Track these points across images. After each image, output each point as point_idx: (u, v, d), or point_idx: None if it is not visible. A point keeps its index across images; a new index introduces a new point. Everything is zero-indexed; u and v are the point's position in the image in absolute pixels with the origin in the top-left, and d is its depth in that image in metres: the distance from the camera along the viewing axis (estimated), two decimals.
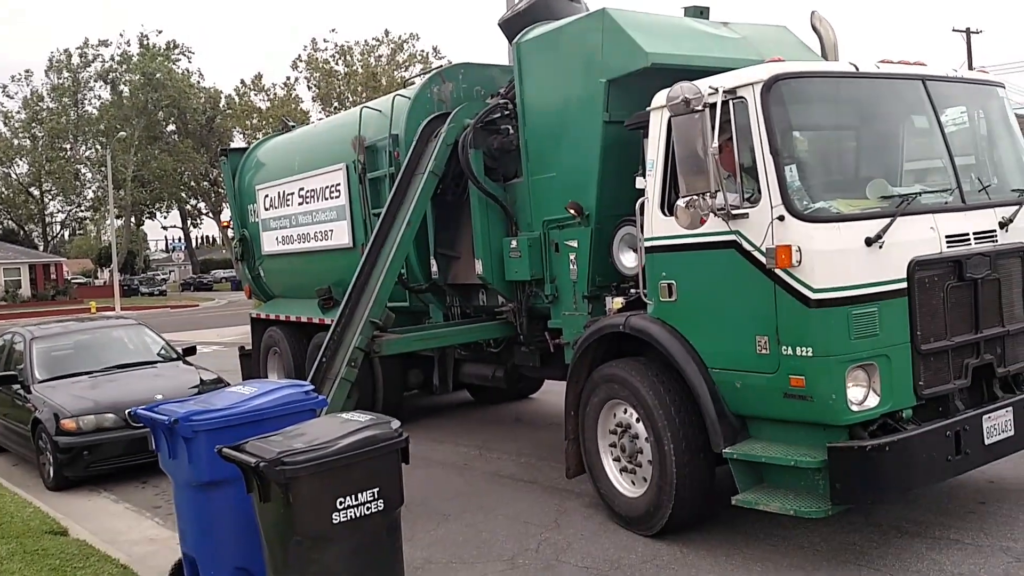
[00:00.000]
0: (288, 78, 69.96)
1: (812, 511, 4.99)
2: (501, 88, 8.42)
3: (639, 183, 6.08)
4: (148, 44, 60.82)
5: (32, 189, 65.62)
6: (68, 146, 63.04)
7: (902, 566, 5.22)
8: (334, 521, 4.30)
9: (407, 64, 58.54)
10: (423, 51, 59.60)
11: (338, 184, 9.99)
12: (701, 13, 7.42)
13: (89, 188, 64.79)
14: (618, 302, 6.48)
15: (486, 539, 6.27)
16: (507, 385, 9.33)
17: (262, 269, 12.29)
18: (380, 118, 9.38)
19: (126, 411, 7.92)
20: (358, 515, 4.36)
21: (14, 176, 64.78)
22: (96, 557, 6.13)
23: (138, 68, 59.22)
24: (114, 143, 56.63)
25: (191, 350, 10.81)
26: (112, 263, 49.09)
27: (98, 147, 60.69)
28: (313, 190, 10.52)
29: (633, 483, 6.12)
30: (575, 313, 7.10)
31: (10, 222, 68.93)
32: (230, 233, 13.10)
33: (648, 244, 5.91)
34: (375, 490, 4.42)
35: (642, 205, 5.97)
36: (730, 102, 5.22)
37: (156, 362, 10.15)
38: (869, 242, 4.98)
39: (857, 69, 5.52)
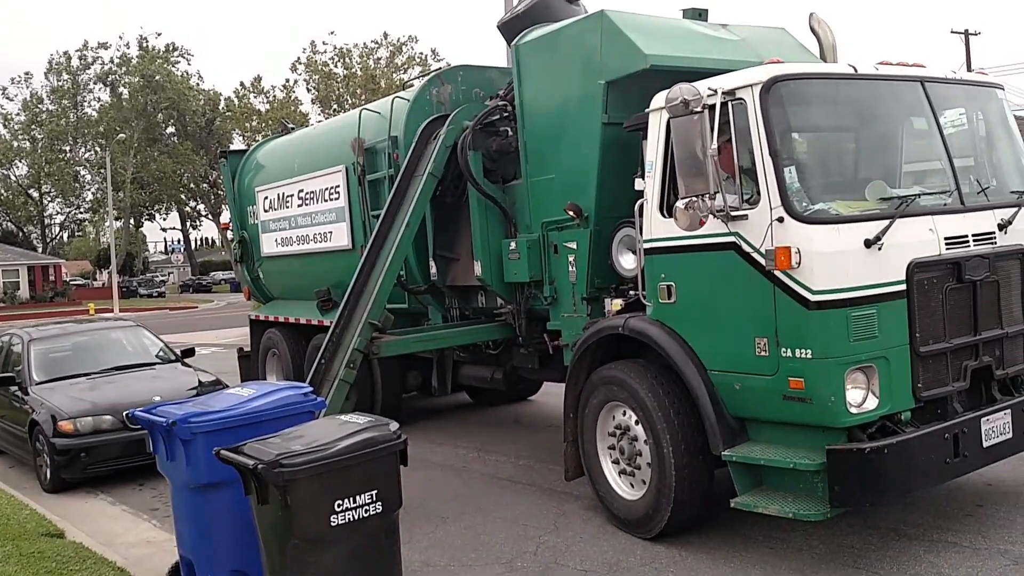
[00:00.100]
0: (287, 80, 69.83)
1: (811, 514, 4.98)
2: (500, 90, 8.42)
3: (638, 185, 6.07)
4: (147, 46, 60.93)
5: (31, 191, 65.63)
6: (67, 148, 63.07)
7: (900, 569, 5.21)
8: (332, 523, 4.29)
9: (406, 66, 58.57)
10: (422, 53, 59.65)
11: (337, 186, 9.99)
12: (700, 15, 7.41)
13: (88, 190, 64.89)
14: (617, 304, 6.47)
15: (484, 541, 6.26)
16: (506, 387, 9.32)
17: (261, 271, 12.28)
18: (379, 120, 9.38)
19: (124, 413, 7.94)
20: (356, 517, 4.35)
21: (13, 178, 64.84)
22: (93, 560, 6.11)
23: (137, 70, 59.28)
24: (113, 145, 56.59)
25: (190, 352, 10.80)
26: (111, 265, 49.08)
27: (97, 149, 60.72)
28: (312, 192, 10.51)
29: (632, 485, 6.11)
30: (574, 315, 7.09)
31: (9, 224, 68.94)
32: (229, 235, 13.10)
33: (647, 246, 5.90)
34: (373, 492, 4.41)
35: (641, 207, 5.97)
36: (729, 104, 5.21)
37: (154, 364, 10.13)
38: (868, 244, 4.98)
39: (856, 71, 5.52)
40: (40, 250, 64.90)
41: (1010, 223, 5.64)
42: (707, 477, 5.74)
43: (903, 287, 5.08)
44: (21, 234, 68.37)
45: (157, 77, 58.51)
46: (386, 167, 9.09)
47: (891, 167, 5.81)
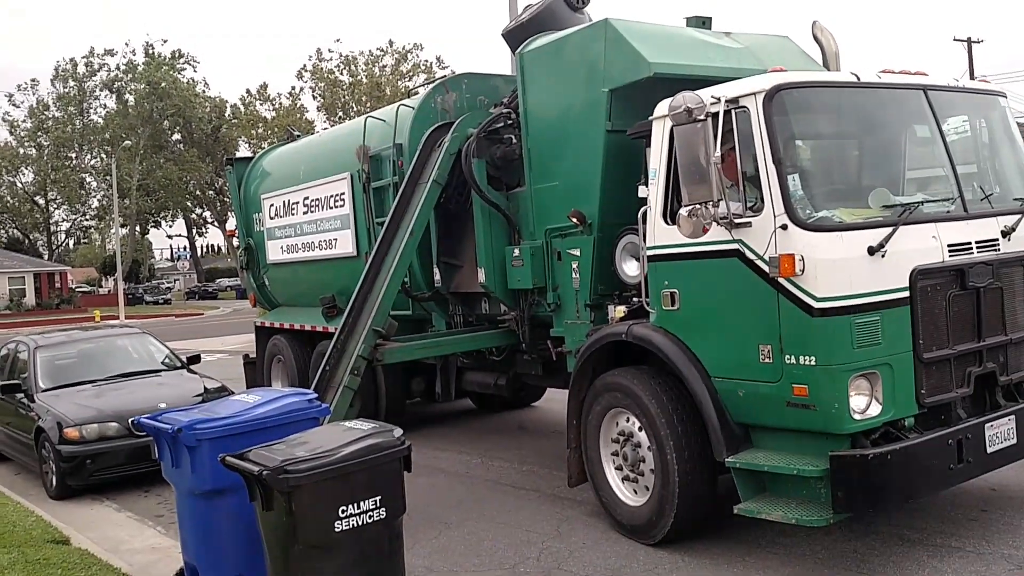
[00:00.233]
0: (293, 88, 70.37)
1: (814, 520, 4.98)
2: (504, 98, 8.45)
3: (641, 192, 6.09)
4: (153, 53, 61.20)
5: (37, 198, 65.88)
6: (73, 155, 63.35)
7: (904, 574, 5.21)
8: (336, 530, 4.31)
9: (411, 74, 58.81)
10: (427, 61, 59.95)
11: (342, 193, 10.03)
12: (703, 23, 7.44)
13: (94, 197, 65.15)
14: (620, 311, 6.49)
15: (488, 547, 6.27)
16: (509, 393, 9.34)
17: (267, 278, 12.32)
18: (384, 128, 9.42)
19: (129, 420, 7.94)
20: (360, 523, 4.37)
21: (19, 185, 65.09)
22: (98, 566, 6.13)
23: (143, 77, 59.56)
24: (119, 152, 56.88)
25: (195, 358, 10.82)
26: (117, 272, 49.18)
27: (103, 156, 60.98)
28: (318, 199, 10.56)
29: (635, 492, 6.12)
30: (577, 322, 7.10)
31: (15, 231, 69.18)
32: (235, 242, 13.14)
33: (650, 253, 5.92)
34: (377, 498, 4.43)
35: (644, 214, 5.98)
36: (732, 111, 5.24)
37: (160, 371, 10.15)
38: (872, 251, 4.99)
39: (859, 79, 5.54)
40: (46, 257, 65.11)
41: (1013, 230, 5.64)
42: (710, 483, 5.75)
43: (906, 294, 5.09)
44: (27, 241, 68.60)
45: (163, 84, 58.79)
46: (391, 174, 9.12)
47: (894, 175, 5.82)
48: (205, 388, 9.37)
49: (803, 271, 4.94)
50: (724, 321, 5.47)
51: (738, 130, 5.22)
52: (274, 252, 11.72)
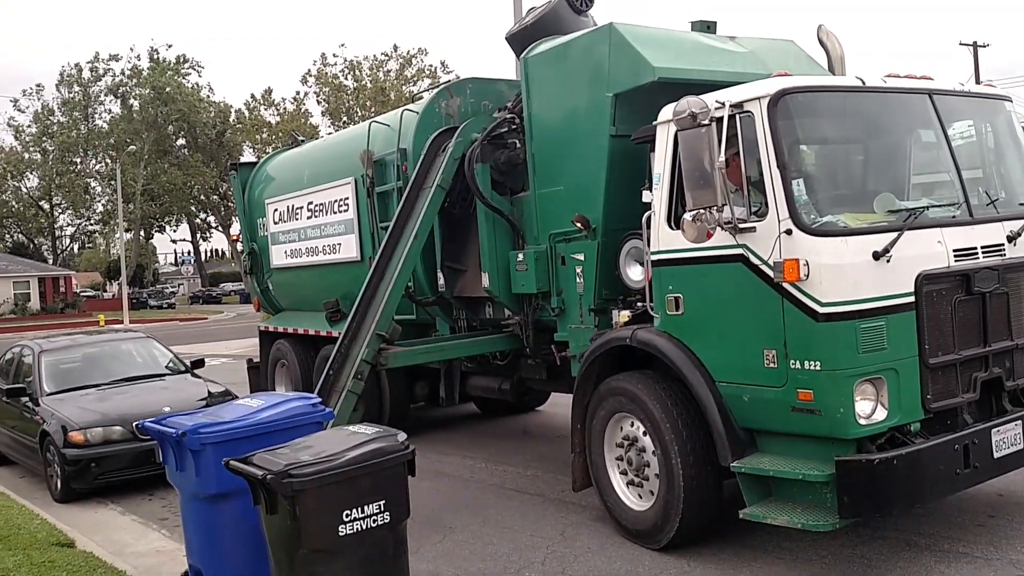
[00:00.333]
0: (298, 93, 70.46)
1: (820, 525, 4.97)
2: (508, 102, 8.46)
3: (646, 197, 6.09)
4: (158, 58, 61.39)
5: (42, 203, 66.12)
6: (78, 160, 63.56)
7: None
8: (340, 534, 4.31)
9: (415, 79, 58.95)
10: (431, 66, 60.10)
11: (346, 198, 10.04)
12: (708, 27, 7.44)
13: (99, 202, 65.39)
14: (624, 315, 6.48)
15: (492, 552, 6.26)
16: (513, 398, 9.33)
17: (271, 282, 12.33)
18: (388, 132, 9.43)
19: (134, 424, 7.99)
20: (364, 528, 4.37)
21: (25, 190, 65.32)
22: (103, 569, 6.13)
23: (148, 82, 59.76)
24: (124, 157, 57.00)
25: (199, 363, 10.84)
26: (121, 276, 49.31)
27: (108, 161, 61.17)
28: (322, 204, 10.57)
29: (640, 496, 6.11)
30: (581, 326, 7.10)
31: (20, 235, 69.39)
32: (239, 247, 13.16)
33: (655, 257, 5.91)
34: (381, 502, 4.43)
35: (649, 219, 5.98)
36: (737, 116, 5.23)
37: (164, 375, 10.17)
38: (877, 256, 4.98)
39: (864, 83, 5.54)
40: (51, 262, 65.28)
41: (1019, 235, 5.62)
42: (716, 488, 5.74)
43: (912, 299, 5.07)
44: (32, 246, 68.82)
45: (168, 89, 58.97)
46: (395, 179, 9.13)
47: (899, 179, 5.81)
48: (209, 392, 9.38)
49: (808, 276, 4.93)
50: (729, 326, 5.46)
51: (742, 135, 5.22)
52: (278, 257, 11.73)
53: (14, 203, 65.65)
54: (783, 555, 5.72)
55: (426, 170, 8.38)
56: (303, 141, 13.06)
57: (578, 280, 7.07)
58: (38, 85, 73.16)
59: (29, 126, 63.89)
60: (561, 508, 7.11)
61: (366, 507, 4.38)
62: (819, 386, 4.96)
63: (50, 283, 57.20)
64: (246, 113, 64.93)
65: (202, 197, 66.62)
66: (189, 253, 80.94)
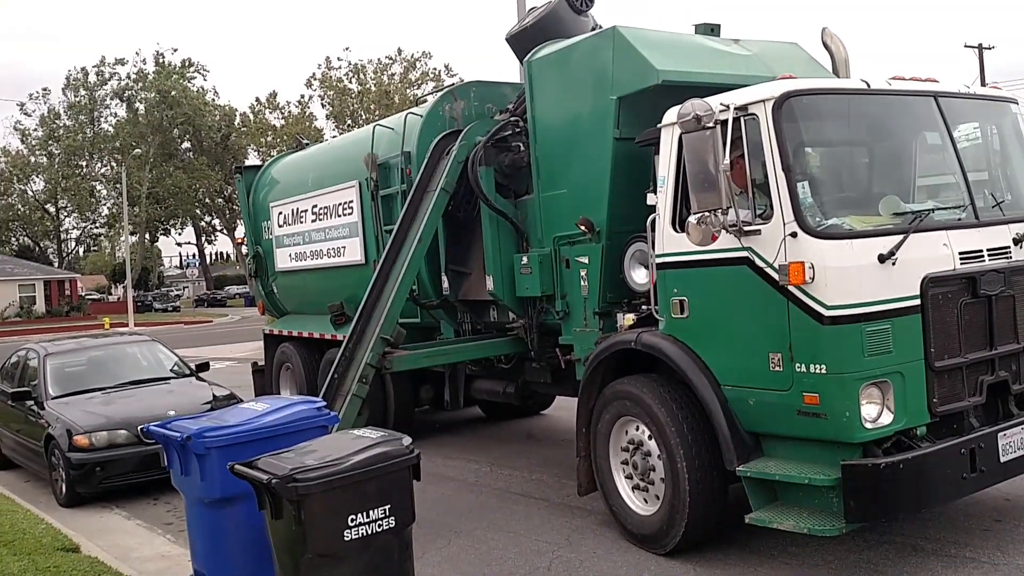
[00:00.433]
0: (302, 96, 70.68)
1: (826, 529, 4.95)
2: (510, 104, 8.46)
3: (650, 199, 6.08)
4: (163, 62, 61.60)
5: (48, 206, 66.34)
6: (84, 163, 63.78)
7: None
8: (346, 538, 4.30)
9: (420, 82, 59.00)
10: (435, 69, 60.13)
11: (351, 201, 10.04)
12: (712, 30, 7.43)
13: (104, 205, 65.53)
14: (629, 318, 6.46)
15: (497, 557, 6.24)
16: (518, 401, 9.31)
17: (275, 285, 12.35)
18: (392, 136, 9.44)
19: (139, 427, 7.96)
20: (370, 532, 4.36)
21: (30, 193, 65.53)
22: (108, 574, 6.14)
23: (153, 86, 59.96)
24: (129, 160, 57.21)
25: (204, 366, 10.85)
26: (126, 279, 49.42)
27: (113, 164, 61.38)
28: (326, 207, 10.58)
29: (646, 501, 6.09)
30: (586, 329, 7.09)
31: (26, 239, 69.61)
32: (244, 250, 13.19)
33: (659, 260, 5.90)
34: (386, 507, 4.42)
35: (653, 221, 5.97)
36: (741, 119, 5.22)
37: (169, 378, 10.18)
38: (882, 259, 4.96)
39: (868, 86, 5.53)
40: (56, 265, 65.46)
41: None
42: (721, 492, 5.72)
43: (917, 302, 5.06)
44: (37, 249, 69.02)
45: (173, 93, 59.16)
46: (399, 182, 9.14)
47: (905, 182, 5.80)
48: (214, 396, 9.38)
49: (813, 279, 4.92)
50: (734, 329, 5.45)
51: (747, 137, 5.21)
52: (283, 260, 11.74)
53: (20, 206, 65.88)
54: (789, 560, 5.70)
55: (430, 173, 8.38)
56: (307, 144, 13.08)
57: (582, 283, 7.06)
58: (44, 89, 73.43)
59: (35, 129, 64.21)
60: (566, 513, 7.09)
61: (371, 512, 4.37)
62: (825, 389, 4.94)
63: (55, 286, 57.36)
64: (251, 116, 65.06)
65: (207, 200, 66.74)
66: (194, 256, 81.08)
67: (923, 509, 5.60)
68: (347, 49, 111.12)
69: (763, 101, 5.19)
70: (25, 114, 64.93)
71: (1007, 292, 5.43)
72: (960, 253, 5.27)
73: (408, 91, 57.20)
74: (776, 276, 5.06)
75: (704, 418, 5.58)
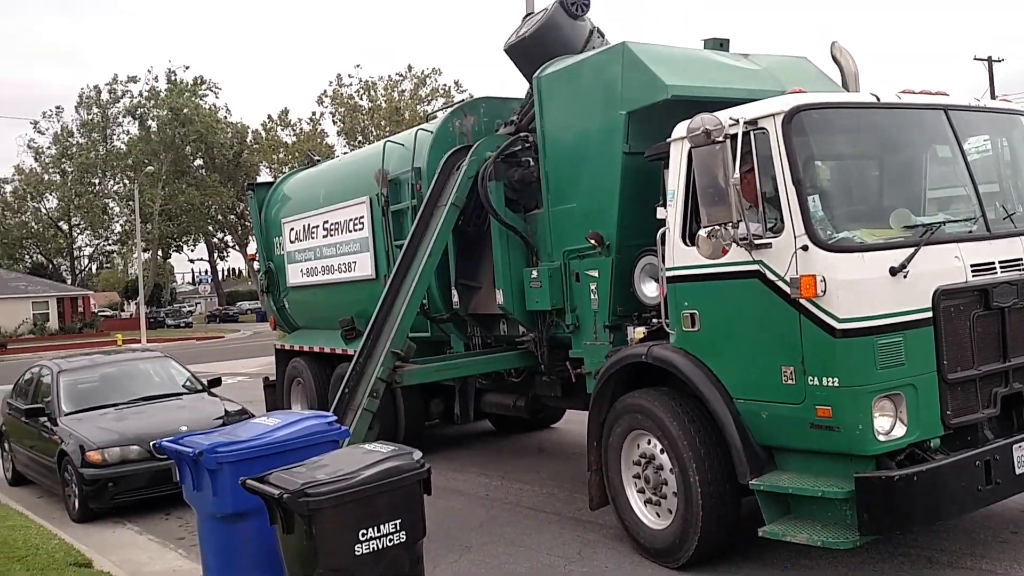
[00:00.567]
0: (314, 113, 71.05)
1: (840, 542, 4.92)
2: (514, 116, 8.50)
3: (660, 213, 6.09)
4: (176, 80, 62.09)
5: (61, 223, 66.79)
6: (97, 181, 64.25)
7: None
8: (357, 553, 4.31)
9: (429, 98, 59.29)
10: (445, 85, 60.44)
11: (362, 217, 10.09)
12: (721, 45, 7.46)
13: (117, 222, 65.94)
14: (640, 332, 6.46)
15: (509, 571, 6.22)
16: (528, 415, 9.30)
17: (287, 301, 12.40)
18: (403, 152, 9.49)
19: (151, 443, 8.01)
20: (381, 547, 4.36)
21: (44, 211, 66.01)
22: None
23: (166, 104, 60.45)
24: (142, 177, 57.59)
25: (216, 382, 10.88)
26: (139, 296, 49.66)
27: (126, 181, 61.81)
28: (337, 223, 10.63)
29: (658, 515, 6.06)
30: (596, 343, 7.09)
31: (39, 256, 70.08)
32: (256, 265, 13.24)
33: (670, 274, 5.91)
34: (397, 521, 4.43)
35: (663, 235, 5.98)
36: (751, 133, 5.24)
37: (181, 394, 10.21)
38: (893, 272, 4.96)
39: (878, 99, 5.53)
40: (69, 282, 65.85)
41: None
42: (734, 506, 5.69)
43: (930, 315, 5.05)
44: (51, 266, 69.46)
45: (185, 110, 59.64)
46: (409, 198, 9.18)
47: (915, 195, 5.80)
48: (226, 411, 9.39)
49: (825, 292, 4.91)
50: (745, 342, 5.44)
51: (757, 151, 5.22)
52: (294, 275, 11.80)
53: (34, 224, 66.38)
54: (803, 573, 5.66)
55: (440, 188, 8.41)
56: (319, 161, 13.17)
57: (592, 297, 7.07)
58: (58, 107, 73.88)
59: (49, 147, 64.76)
60: (578, 527, 7.07)
61: (382, 526, 4.38)
62: (837, 402, 4.92)
63: (68, 303, 57.69)
64: (263, 133, 65.47)
65: (219, 217, 67.10)
66: (206, 272, 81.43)
67: (937, 522, 5.55)
68: (358, 66, 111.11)
69: (773, 115, 5.20)
70: (39, 132, 65.43)
71: (1020, 304, 5.40)
72: (972, 266, 5.25)
73: (418, 107, 57.50)
74: (788, 289, 5.05)
75: (716, 431, 5.56)
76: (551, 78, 7.52)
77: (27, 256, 69.29)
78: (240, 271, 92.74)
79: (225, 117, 64.52)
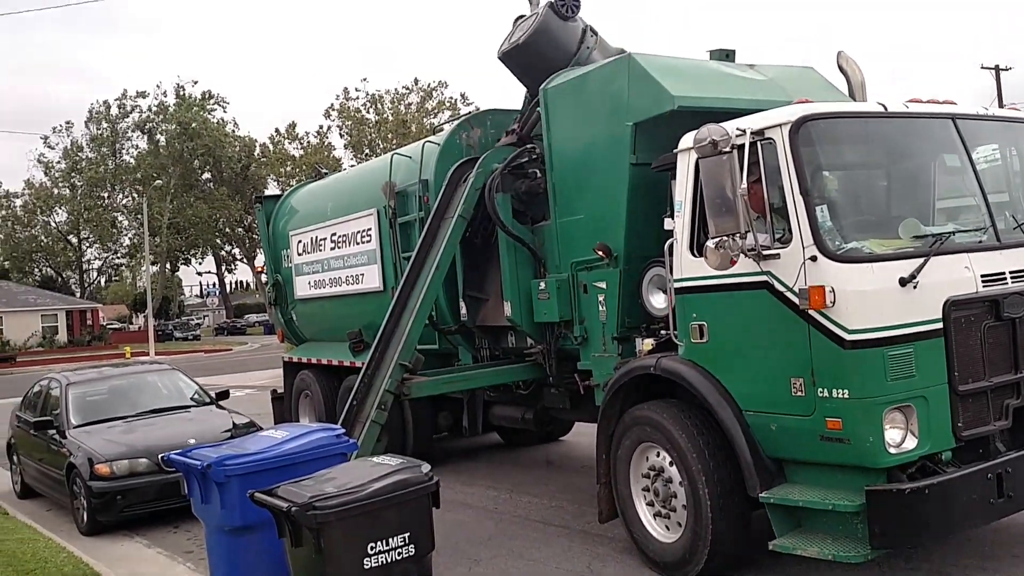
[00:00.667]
0: (321, 126, 71.41)
1: (851, 556, 4.88)
2: (515, 124, 8.50)
3: (667, 224, 6.08)
4: (184, 95, 62.50)
5: (70, 237, 67.14)
6: (106, 194, 64.64)
7: None
8: (365, 566, 4.29)
9: (436, 111, 59.55)
10: (451, 98, 60.70)
11: (369, 229, 10.11)
12: (727, 56, 7.47)
13: (126, 235, 66.34)
14: (648, 343, 6.45)
15: None
16: (537, 427, 9.28)
17: (295, 313, 12.42)
18: (410, 164, 9.52)
19: (159, 456, 8.00)
20: (389, 560, 4.35)
21: (53, 224, 66.39)
22: None
23: (174, 118, 60.83)
24: (150, 191, 57.93)
25: (224, 394, 10.88)
26: (147, 309, 49.80)
27: (135, 195, 62.15)
28: (345, 235, 10.66)
29: (667, 528, 6.02)
30: (605, 355, 7.06)
31: (49, 269, 70.43)
32: (264, 278, 13.29)
33: (678, 285, 5.89)
34: (406, 535, 4.42)
35: (671, 246, 5.97)
36: (758, 143, 5.22)
37: (189, 406, 10.22)
38: (903, 282, 4.93)
39: (886, 109, 5.52)
40: (78, 295, 66.16)
41: None
42: (744, 519, 5.65)
43: (940, 325, 5.01)
44: (60, 279, 69.80)
45: (194, 124, 59.98)
46: (417, 210, 9.20)
47: (924, 204, 5.77)
48: (234, 424, 9.41)
49: (834, 303, 4.89)
50: (754, 354, 5.41)
51: (764, 162, 5.21)
52: (302, 288, 11.82)
53: (43, 237, 66.75)
54: None
55: (447, 200, 8.43)
56: (326, 174, 13.21)
57: (601, 308, 7.05)
58: (67, 122, 74.36)
59: (58, 162, 65.21)
60: (587, 540, 7.03)
61: (391, 539, 4.37)
62: (848, 414, 4.89)
63: (77, 316, 57.96)
64: (270, 147, 65.81)
65: (227, 230, 67.35)
66: (214, 285, 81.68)
67: (949, 535, 5.50)
68: (364, 80, 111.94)
69: (780, 125, 5.19)
70: (48, 147, 65.89)
71: None
72: (982, 276, 5.22)
73: (425, 120, 57.75)
74: (796, 300, 5.03)
75: (725, 444, 5.53)
76: (557, 90, 7.53)
77: (36, 269, 69.67)
78: (248, 284, 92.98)
79: (233, 131, 64.91)
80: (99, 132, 63.84)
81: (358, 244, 10.38)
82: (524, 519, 7.91)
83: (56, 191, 65.12)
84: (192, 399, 10.45)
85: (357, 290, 10.48)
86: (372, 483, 4.41)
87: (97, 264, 71.68)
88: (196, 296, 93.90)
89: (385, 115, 60.82)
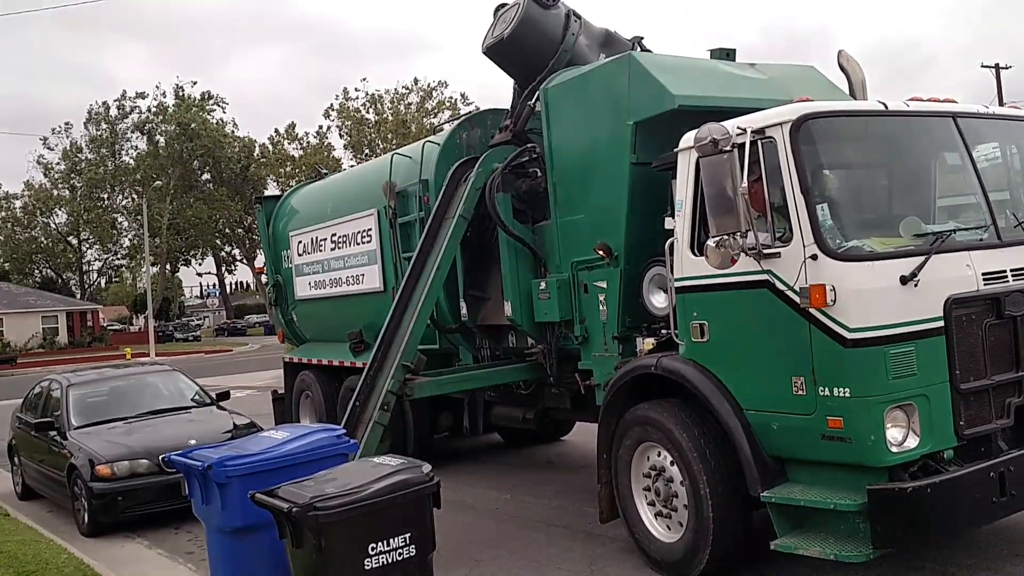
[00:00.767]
0: (320, 127, 71.42)
1: (853, 555, 4.87)
2: (507, 120, 8.49)
3: (668, 223, 6.07)
4: (183, 95, 62.48)
5: (70, 238, 67.15)
6: (105, 195, 64.62)
7: None
8: (366, 567, 4.29)
9: (436, 111, 59.54)
10: (451, 98, 60.68)
11: (369, 229, 10.11)
12: (727, 55, 7.46)
13: (125, 236, 66.30)
14: (649, 343, 6.44)
15: None
16: (538, 427, 9.28)
17: (295, 314, 12.41)
18: (410, 164, 9.51)
19: (160, 457, 8.01)
20: (390, 561, 4.35)
21: (53, 226, 66.40)
22: None
23: (174, 119, 60.80)
24: (150, 192, 57.95)
25: (225, 395, 10.88)
26: (147, 310, 49.81)
27: (134, 196, 62.15)
28: (345, 235, 10.65)
29: (668, 527, 6.02)
30: (605, 354, 7.06)
31: (49, 271, 70.44)
32: (264, 279, 13.29)
33: (678, 284, 5.88)
34: (407, 535, 4.41)
35: (672, 245, 5.96)
36: (759, 142, 5.22)
37: (190, 407, 10.22)
38: (904, 280, 4.92)
39: (886, 107, 5.51)
40: (78, 296, 66.17)
41: None
42: (745, 518, 5.65)
43: (941, 324, 5.01)
44: (60, 280, 69.81)
45: (193, 125, 59.95)
46: (417, 210, 9.19)
47: (925, 203, 5.77)
48: (234, 424, 9.40)
49: (835, 301, 4.88)
50: (755, 353, 5.41)
51: (765, 160, 5.20)
52: (302, 288, 11.81)
53: (43, 239, 66.77)
54: None
55: (448, 200, 8.42)
56: (326, 174, 13.23)
57: (601, 308, 7.04)
58: (67, 123, 74.23)
59: (58, 163, 65.16)
60: (588, 540, 7.02)
61: (392, 540, 4.36)
62: (849, 413, 4.88)
63: (77, 317, 57.96)
64: (270, 147, 65.79)
65: (227, 230, 67.35)
66: (214, 286, 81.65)
67: (952, 534, 5.50)
68: (364, 80, 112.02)
69: (780, 124, 5.18)
70: (48, 148, 65.86)
71: None
72: (983, 274, 5.22)
73: (425, 120, 57.76)
74: (797, 299, 5.02)
75: (727, 443, 5.52)
76: (558, 90, 7.53)
77: (36, 271, 69.67)
78: (248, 284, 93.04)
79: (232, 132, 64.87)
80: (98, 133, 63.81)
81: (358, 244, 10.37)
82: (525, 519, 7.90)
83: (56, 192, 65.12)
84: (193, 400, 10.45)
85: (357, 290, 10.48)
86: (373, 484, 4.40)
87: (97, 265, 71.75)
88: (196, 297, 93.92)
89: (385, 115, 60.83)
